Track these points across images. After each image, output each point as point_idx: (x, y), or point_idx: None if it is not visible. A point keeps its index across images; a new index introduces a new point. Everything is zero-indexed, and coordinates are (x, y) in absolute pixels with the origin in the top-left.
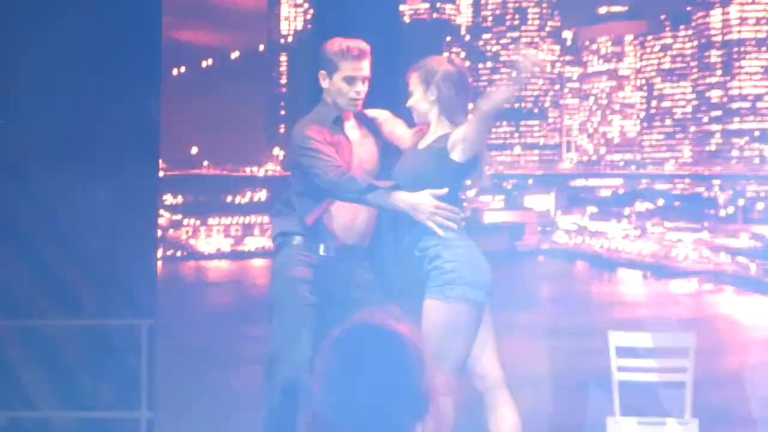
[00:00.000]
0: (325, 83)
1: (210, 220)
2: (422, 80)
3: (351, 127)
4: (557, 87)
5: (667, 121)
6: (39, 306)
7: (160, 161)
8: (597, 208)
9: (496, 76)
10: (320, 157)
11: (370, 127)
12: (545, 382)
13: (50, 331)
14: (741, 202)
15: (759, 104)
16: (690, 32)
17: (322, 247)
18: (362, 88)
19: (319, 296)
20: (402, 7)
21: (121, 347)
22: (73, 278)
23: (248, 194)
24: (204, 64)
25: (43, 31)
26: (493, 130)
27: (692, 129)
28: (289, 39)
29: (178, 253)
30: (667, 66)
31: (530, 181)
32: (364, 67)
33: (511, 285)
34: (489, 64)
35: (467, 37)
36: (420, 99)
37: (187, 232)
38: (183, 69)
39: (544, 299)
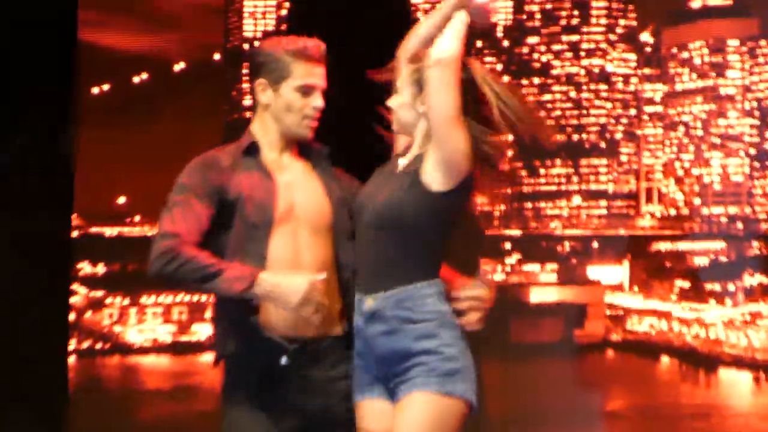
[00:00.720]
0: (264, 97)
1: (143, 299)
2: (415, 80)
3: (287, 162)
4: (632, 111)
5: None
6: None
7: (74, 216)
8: (689, 283)
9: (547, 97)
10: (169, 218)
11: (324, 166)
12: None
13: None
14: None
15: None
16: None
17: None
18: (320, 104)
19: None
20: (415, 0)
21: None
22: None
23: None
24: (136, 79)
25: None
26: (543, 171)
27: None
28: (255, 43)
29: (98, 346)
30: None
31: (595, 245)
32: (323, 76)
33: (568, 391)
34: (536, 81)
35: (505, 42)
36: (406, 104)
37: (110, 315)
38: (106, 86)
39: (616, 410)
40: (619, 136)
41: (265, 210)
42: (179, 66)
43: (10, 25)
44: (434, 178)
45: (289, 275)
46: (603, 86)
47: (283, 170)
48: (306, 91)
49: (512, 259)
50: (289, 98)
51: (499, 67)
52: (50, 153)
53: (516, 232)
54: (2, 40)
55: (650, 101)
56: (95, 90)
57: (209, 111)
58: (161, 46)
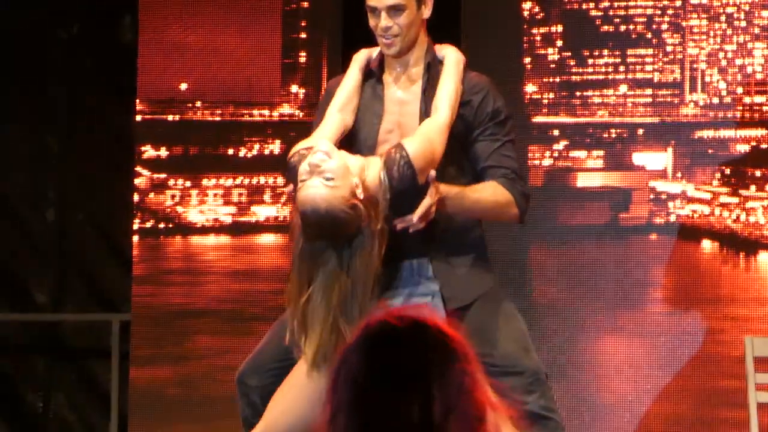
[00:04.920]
0: None
1: (204, 181)
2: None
3: (390, 81)
4: (678, 2)
5: None
6: None
7: (137, 101)
8: (731, 169)
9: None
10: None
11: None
12: (658, 402)
13: None
14: None
15: None
16: None
17: None
18: (387, 23)
19: None
20: None
21: (84, 351)
22: (22, 260)
23: (256, 146)
24: None
25: None
26: (591, 61)
27: None
28: None
29: (161, 225)
30: None
31: (640, 132)
32: None
33: (613, 273)
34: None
35: None
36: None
37: (172, 196)
38: None
39: (658, 293)
40: (664, 27)
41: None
42: None
43: None
44: None
45: None
46: None
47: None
48: (371, 10)
49: (560, 146)
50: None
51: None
52: (113, 38)
53: (564, 120)
54: None
55: None
56: None
57: (266, 2)
58: None
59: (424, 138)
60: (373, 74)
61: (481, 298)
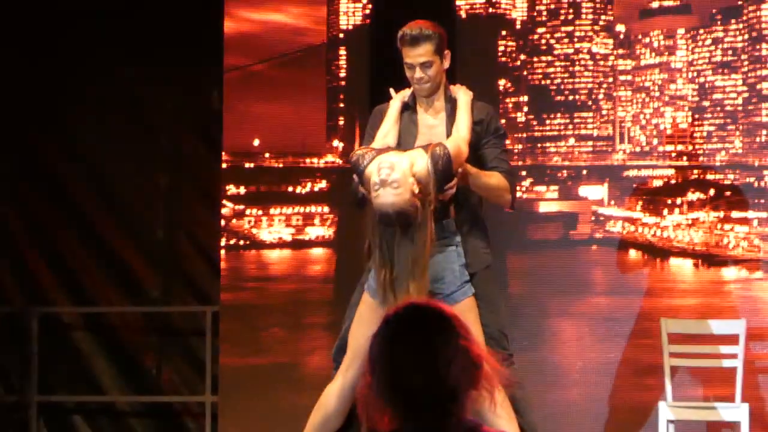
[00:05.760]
0: None
1: (272, 210)
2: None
3: (421, 111)
4: (611, 80)
5: (719, 113)
6: (105, 293)
7: (223, 153)
8: (650, 198)
9: (551, 70)
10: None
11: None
12: (599, 368)
13: (116, 317)
14: None
15: None
16: (741, 26)
17: None
18: (420, 75)
19: None
20: (459, 2)
21: (186, 333)
22: (139, 266)
23: (308, 185)
24: (264, 57)
25: (107, 22)
26: (548, 121)
27: (743, 120)
28: (348, 33)
29: (241, 243)
30: (718, 59)
31: (584, 172)
32: (421, 53)
33: (565, 274)
34: (543, 58)
35: (521, 32)
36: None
37: (249, 222)
38: (244, 61)
39: (598, 287)
40: (601, 96)
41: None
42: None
43: (181, 21)
44: None
45: None
46: (590, 62)
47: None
48: (408, 67)
49: (527, 182)
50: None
51: (517, 48)
52: (206, 107)
53: (529, 163)
54: (175, 31)
55: (623, 72)
56: (235, 63)
57: (315, 81)
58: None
59: (454, 143)
60: (408, 107)
61: (485, 269)
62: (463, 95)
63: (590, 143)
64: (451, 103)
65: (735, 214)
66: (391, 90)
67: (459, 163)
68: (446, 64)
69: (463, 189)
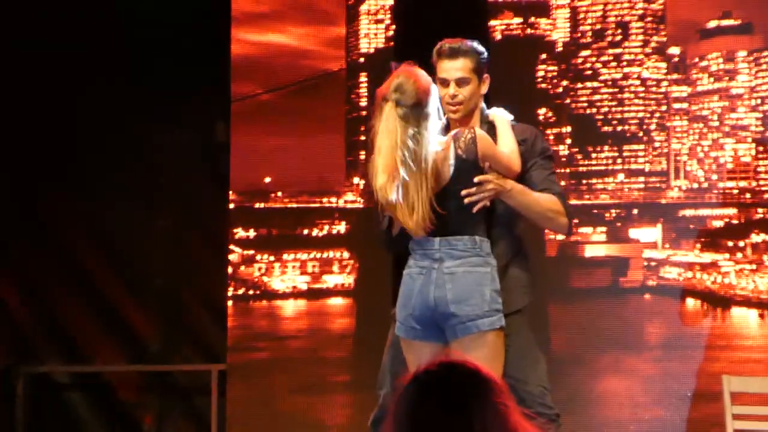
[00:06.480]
0: None
1: (285, 256)
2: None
3: None
4: (663, 108)
5: None
6: (102, 350)
7: (231, 192)
8: (708, 240)
9: (596, 97)
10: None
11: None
12: (656, 430)
13: (112, 376)
14: None
15: None
16: None
17: None
18: (454, 92)
19: None
20: (492, 22)
21: (190, 393)
22: (138, 319)
23: (326, 227)
24: (276, 85)
25: (108, 53)
26: (594, 155)
27: None
28: (369, 58)
29: (250, 292)
30: None
31: (635, 211)
32: (458, 67)
33: (615, 325)
34: (588, 84)
35: (563, 55)
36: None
37: (259, 269)
38: (253, 90)
39: (652, 341)
40: (653, 127)
41: None
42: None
43: (184, 49)
44: None
45: None
46: (641, 88)
47: None
48: (442, 82)
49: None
50: (438, 88)
51: (558, 73)
52: (211, 142)
53: (574, 202)
54: (178, 58)
55: (677, 99)
56: (243, 92)
57: (332, 111)
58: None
59: (490, 142)
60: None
61: (522, 312)
62: (501, 115)
63: (642, 179)
64: (488, 125)
65: None
66: None
67: (487, 159)
68: (484, 89)
69: (506, 215)
